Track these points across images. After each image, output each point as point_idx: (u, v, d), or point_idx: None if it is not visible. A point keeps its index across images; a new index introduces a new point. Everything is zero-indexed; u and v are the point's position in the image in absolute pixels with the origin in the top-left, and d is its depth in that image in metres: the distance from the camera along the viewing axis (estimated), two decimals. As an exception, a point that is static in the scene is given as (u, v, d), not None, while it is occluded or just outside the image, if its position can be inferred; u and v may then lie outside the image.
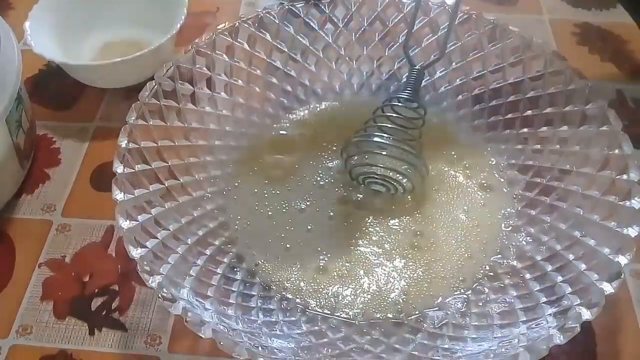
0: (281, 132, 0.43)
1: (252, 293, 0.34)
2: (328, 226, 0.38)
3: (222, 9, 0.56)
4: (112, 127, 0.46)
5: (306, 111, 0.44)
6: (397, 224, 0.38)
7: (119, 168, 0.33)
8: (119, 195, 0.32)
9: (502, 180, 0.40)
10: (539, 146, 0.39)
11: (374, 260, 0.36)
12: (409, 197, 0.39)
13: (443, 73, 0.43)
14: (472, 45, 0.42)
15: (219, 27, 0.41)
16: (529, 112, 0.40)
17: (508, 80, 0.41)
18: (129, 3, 0.51)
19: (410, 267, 0.36)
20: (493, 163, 0.41)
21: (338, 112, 0.44)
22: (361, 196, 0.39)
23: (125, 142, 0.34)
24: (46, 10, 0.48)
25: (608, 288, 0.29)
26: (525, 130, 0.40)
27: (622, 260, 0.30)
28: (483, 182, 0.40)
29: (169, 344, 0.35)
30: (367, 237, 0.37)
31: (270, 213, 0.38)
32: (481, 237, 0.37)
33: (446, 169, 0.41)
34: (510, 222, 0.38)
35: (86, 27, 0.51)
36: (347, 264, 0.36)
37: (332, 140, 0.42)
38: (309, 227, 0.38)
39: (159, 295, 0.28)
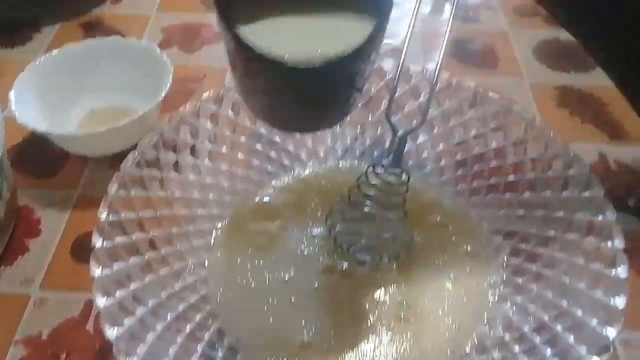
0: (265, 198, 0.43)
1: (233, 373, 0.33)
2: (312, 297, 0.37)
3: (208, 75, 0.56)
4: (95, 195, 0.45)
5: (290, 177, 0.44)
6: (382, 294, 0.37)
7: (97, 242, 0.32)
8: (96, 271, 0.31)
9: (487, 246, 0.39)
10: (522, 211, 0.39)
11: (359, 333, 0.35)
12: (393, 265, 0.38)
13: (426, 138, 0.44)
14: (453, 110, 0.42)
15: (204, 95, 0.41)
16: (512, 177, 0.40)
17: (490, 147, 0.41)
18: (115, 70, 0.51)
19: (397, 341, 0.35)
20: (477, 229, 0.40)
21: (322, 178, 0.44)
22: (346, 265, 0.39)
23: (105, 214, 0.34)
24: (32, 78, 0.47)
25: (598, 364, 0.28)
26: (509, 195, 0.40)
27: (611, 333, 0.29)
28: (468, 248, 0.40)
29: None
30: (352, 309, 0.36)
31: (253, 285, 0.38)
32: (468, 306, 0.36)
33: (431, 235, 0.40)
34: (497, 290, 0.37)
35: (72, 94, 0.51)
36: (331, 339, 0.35)
37: (316, 207, 0.42)
38: (293, 300, 0.37)
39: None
